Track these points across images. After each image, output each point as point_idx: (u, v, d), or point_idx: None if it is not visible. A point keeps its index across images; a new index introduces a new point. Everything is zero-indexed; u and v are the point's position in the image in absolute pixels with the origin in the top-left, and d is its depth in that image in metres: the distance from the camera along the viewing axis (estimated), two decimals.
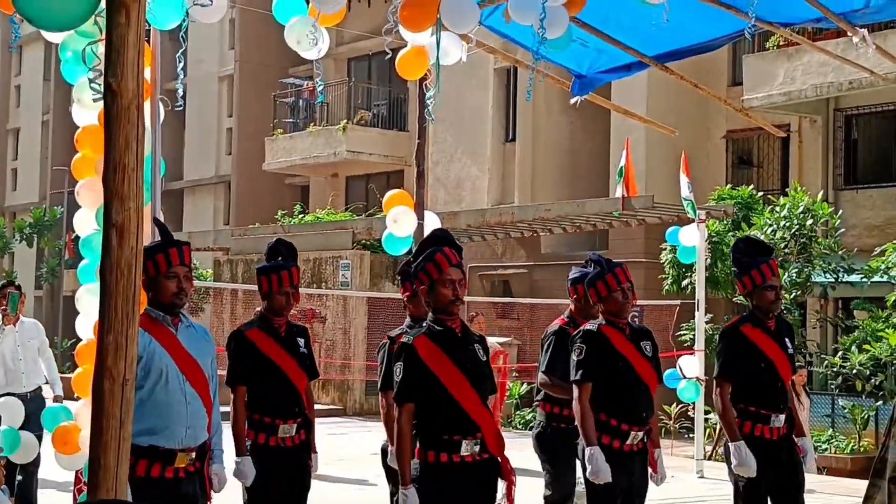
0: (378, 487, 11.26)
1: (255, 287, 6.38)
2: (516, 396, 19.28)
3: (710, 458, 14.05)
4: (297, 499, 6.16)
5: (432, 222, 7.37)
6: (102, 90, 3.42)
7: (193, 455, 4.92)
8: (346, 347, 20.90)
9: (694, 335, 13.82)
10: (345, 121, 27.67)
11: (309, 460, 6.20)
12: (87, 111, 5.19)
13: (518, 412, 19.15)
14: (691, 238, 13.28)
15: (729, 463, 6.20)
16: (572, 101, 8.40)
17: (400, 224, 7.46)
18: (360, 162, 27.94)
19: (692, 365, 12.86)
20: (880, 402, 14.77)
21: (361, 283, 21.11)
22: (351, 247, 21.39)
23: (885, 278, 15.37)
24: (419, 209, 7.39)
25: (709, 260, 15.05)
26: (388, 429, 6.43)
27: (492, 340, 19.50)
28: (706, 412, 14.11)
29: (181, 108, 7.33)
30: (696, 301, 13.57)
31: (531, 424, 18.99)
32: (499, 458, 5.01)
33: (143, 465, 4.74)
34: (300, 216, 25.75)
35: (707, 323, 14.26)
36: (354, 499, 10.68)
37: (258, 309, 6.41)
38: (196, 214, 35.04)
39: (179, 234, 23.61)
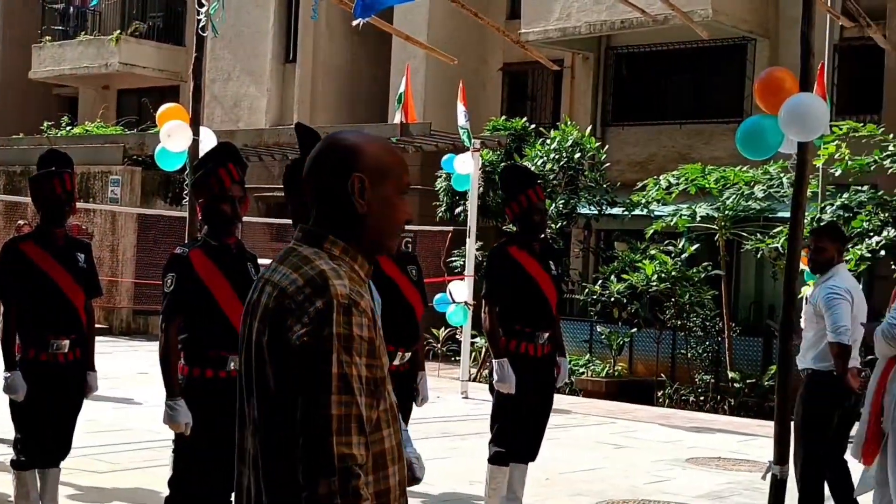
0: (143, 406, 11.15)
1: (18, 199, 6.16)
2: None
3: (474, 380, 14.53)
4: (67, 416, 6.03)
5: (208, 139, 7.26)
6: None
7: None
8: (114, 266, 20.36)
9: (465, 261, 14.18)
10: (118, 31, 26.66)
11: (85, 378, 6.07)
12: None
13: None
14: (466, 166, 13.57)
15: (492, 379, 6.46)
16: (354, 22, 8.39)
17: (174, 139, 7.31)
18: (134, 75, 27.05)
19: (462, 290, 13.23)
20: (635, 329, 15.58)
21: (132, 199, 20.56)
22: (122, 162, 20.76)
23: (645, 212, 16.12)
24: (194, 125, 7.25)
25: (482, 189, 15.41)
26: None
27: (266, 262, 19.43)
28: (473, 336, 14.56)
29: None
30: (467, 228, 13.92)
31: None
32: None
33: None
34: (68, 128, 24.73)
35: (478, 250, 14.64)
36: (122, 418, 10.53)
37: (22, 223, 6.19)
38: None
39: None
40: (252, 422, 2.42)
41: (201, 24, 7.19)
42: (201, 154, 6.11)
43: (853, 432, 6.05)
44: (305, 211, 2.51)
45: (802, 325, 6.74)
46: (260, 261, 8.38)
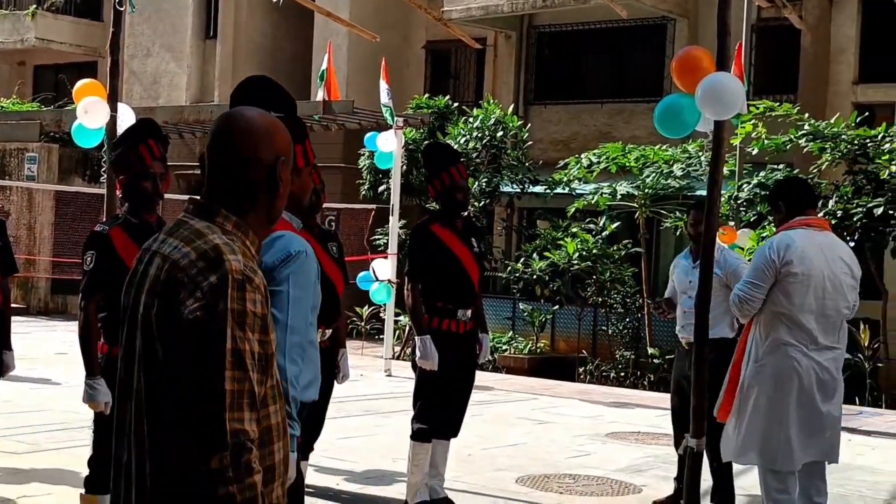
0: (62, 386, 11.00)
1: None
2: None
3: (398, 358, 14.57)
4: None
5: (126, 115, 7.17)
6: None
7: None
8: (31, 244, 20.01)
9: (388, 239, 14.19)
10: (34, 6, 26.12)
11: (1, 358, 5.98)
12: None
13: None
14: (389, 144, 13.57)
15: (414, 357, 6.49)
16: None
17: (91, 115, 7.20)
18: (50, 51, 26.54)
19: (385, 268, 13.24)
20: (557, 307, 15.73)
21: (49, 177, 20.20)
22: (38, 139, 20.38)
23: (567, 190, 16.26)
24: (112, 101, 7.15)
25: (405, 167, 15.40)
26: None
27: None
28: (396, 314, 14.58)
29: None
30: (391, 206, 13.93)
31: None
32: None
33: None
34: None
35: (401, 228, 14.66)
36: (40, 398, 10.39)
37: None
38: None
39: None
40: (136, 394, 2.38)
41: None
42: (119, 131, 6.04)
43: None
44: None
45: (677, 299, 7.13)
46: None
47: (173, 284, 2.31)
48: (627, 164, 15.51)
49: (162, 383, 2.31)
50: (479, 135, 16.58)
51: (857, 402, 13.10)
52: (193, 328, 2.27)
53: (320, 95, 14.35)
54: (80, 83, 7.49)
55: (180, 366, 2.27)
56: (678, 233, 15.20)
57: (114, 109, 7.11)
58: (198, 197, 2.49)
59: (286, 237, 3.81)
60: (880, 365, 13.71)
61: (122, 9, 7.09)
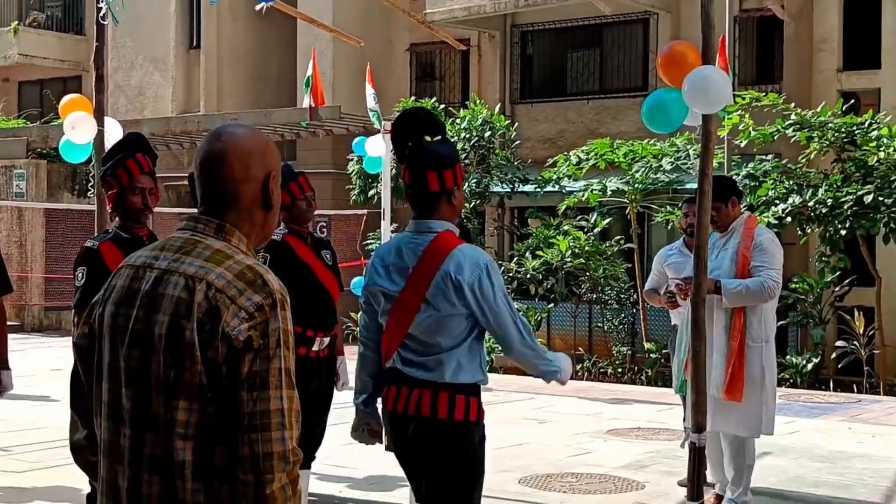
0: (60, 403, 10.96)
1: None
2: None
3: None
4: None
5: (113, 129, 7.15)
6: None
7: None
8: (23, 262, 19.97)
9: (381, 244, 14.17)
10: (16, 22, 26.05)
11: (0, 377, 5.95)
12: None
13: None
14: (377, 148, 13.51)
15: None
16: (258, 7, 8.34)
17: (78, 130, 7.18)
18: (34, 66, 26.47)
19: None
20: (552, 305, 15.73)
21: (38, 193, 20.15)
22: (25, 156, 20.33)
23: (557, 188, 16.26)
24: (99, 116, 7.13)
25: (394, 170, 15.36)
26: None
27: None
28: None
29: None
30: (382, 210, 13.87)
31: None
32: None
33: None
34: None
35: (393, 232, 14.62)
36: (39, 416, 10.35)
37: None
38: None
39: None
40: (130, 414, 2.35)
41: (101, 13, 7.07)
42: (107, 145, 6.01)
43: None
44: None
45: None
46: None
47: (211, 305, 2.29)
48: (616, 159, 15.52)
49: (191, 406, 2.29)
50: (467, 136, 16.58)
51: (856, 390, 13.13)
52: (244, 349, 2.27)
53: (307, 102, 14.26)
54: (66, 99, 7.48)
55: (228, 387, 2.27)
56: (670, 227, 15.21)
57: (101, 124, 7.09)
58: (205, 216, 2.47)
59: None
60: (876, 352, 13.74)
61: (105, 23, 7.07)
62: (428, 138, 3.97)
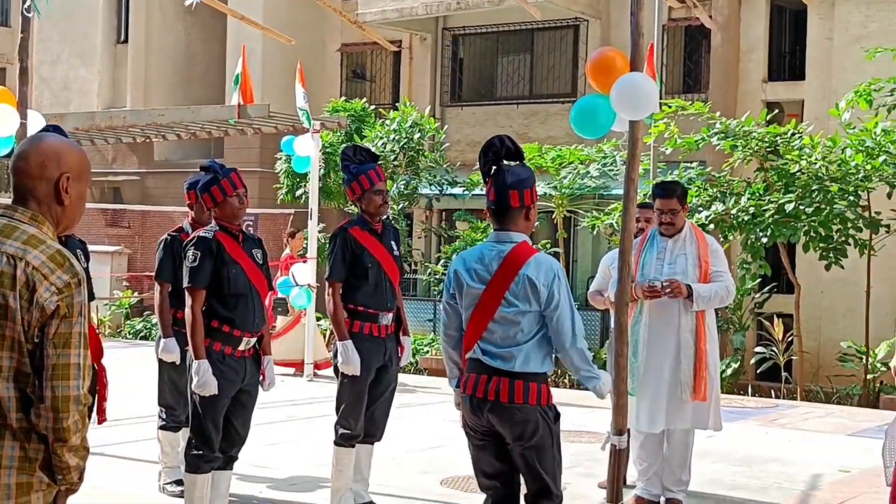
0: None
1: None
2: (126, 306, 18.89)
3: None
4: None
5: (36, 122, 7.06)
6: None
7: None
8: None
9: (307, 244, 14.11)
10: None
11: None
12: None
13: (128, 322, 18.79)
14: (306, 148, 13.49)
15: (336, 361, 6.45)
16: (187, 3, 8.27)
17: (0, 123, 7.08)
18: None
19: (304, 272, 13.16)
20: None
21: None
22: None
23: (485, 191, 16.31)
24: (22, 108, 7.03)
25: (322, 170, 15.35)
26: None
27: (100, 248, 18.93)
28: (317, 318, 14.50)
29: None
30: (309, 210, 13.84)
31: (141, 333, 18.67)
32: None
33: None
34: None
35: (320, 232, 14.60)
36: None
37: None
38: None
39: None
40: None
41: (26, 4, 6.97)
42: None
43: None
44: None
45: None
46: (92, 247, 8.17)
47: (30, 279, 2.89)
48: (544, 164, 15.62)
49: (11, 355, 2.89)
50: (396, 137, 16.59)
51: (773, 396, 13.37)
52: (53, 316, 2.89)
53: (235, 99, 14.19)
54: None
55: (38, 344, 2.89)
56: (595, 231, 15.35)
57: (23, 117, 6.99)
58: (21, 207, 3.00)
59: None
60: (794, 358, 13.99)
61: (30, 15, 6.97)
62: (509, 163, 4.69)
